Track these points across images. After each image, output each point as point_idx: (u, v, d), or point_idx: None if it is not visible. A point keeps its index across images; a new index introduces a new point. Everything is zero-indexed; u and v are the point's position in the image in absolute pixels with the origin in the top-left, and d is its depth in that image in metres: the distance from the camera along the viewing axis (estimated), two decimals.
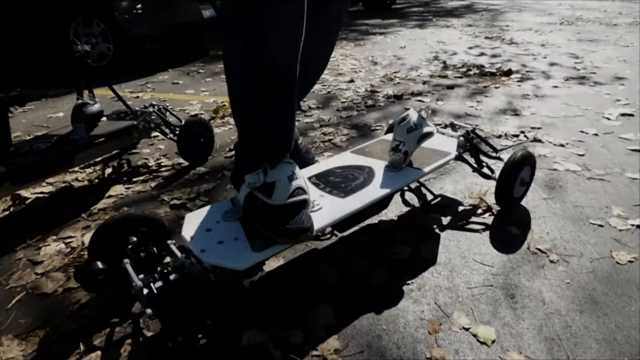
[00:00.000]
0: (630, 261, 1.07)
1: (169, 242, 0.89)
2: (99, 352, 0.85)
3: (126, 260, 0.84)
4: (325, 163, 1.18)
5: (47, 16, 3.30)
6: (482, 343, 0.85)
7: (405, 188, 1.22)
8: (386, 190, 1.02)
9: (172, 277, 0.79)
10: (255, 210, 0.86)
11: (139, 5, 3.40)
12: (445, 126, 1.36)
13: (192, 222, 0.91)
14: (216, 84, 3.09)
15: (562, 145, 1.77)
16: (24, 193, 1.50)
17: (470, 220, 1.27)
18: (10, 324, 0.94)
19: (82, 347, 0.86)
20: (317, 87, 2.87)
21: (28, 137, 2.01)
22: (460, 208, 1.33)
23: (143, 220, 0.97)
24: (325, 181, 1.07)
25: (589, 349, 0.83)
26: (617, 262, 1.07)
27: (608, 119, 2.07)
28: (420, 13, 7.28)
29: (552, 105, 2.30)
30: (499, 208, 1.31)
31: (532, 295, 0.97)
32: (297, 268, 1.09)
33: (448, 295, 0.98)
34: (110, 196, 1.49)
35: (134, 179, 1.61)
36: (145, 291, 0.75)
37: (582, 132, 1.91)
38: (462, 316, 0.92)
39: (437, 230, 1.23)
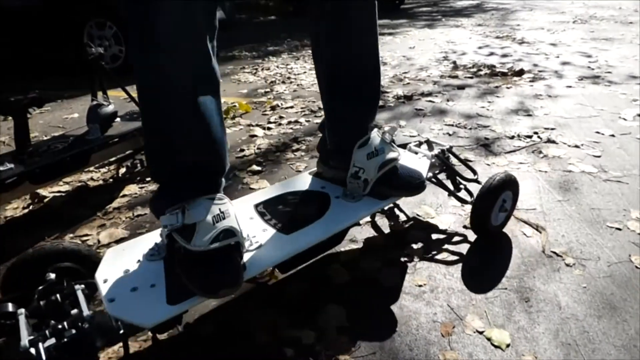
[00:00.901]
0: None
1: (76, 286, 0.74)
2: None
3: (21, 311, 0.68)
4: (277, 187, 1.08)
5: (62, 20, 3.37)
6: (496, 347, 0.84)
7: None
8: (338, 226, 0.91)
9: (68, 333, 0.66)
10: (177, 253, 0.74)
11: None
12: (420, 144, 1.24)
13: (110, 261, 0.79)
14: (226, 85, 3.11)
15: (577, 147, 1.74)
16: (43, 192, 1.53)
17: None
18: None
19: None
20: None
21: (45, 138, 2.05)
22: None
23: (68, 254, 0.85)
24: (273, 211, 0.96)
25: (608, 356, 0.82)
26: (637, 267, 1.05)
27: (624, 119, 2.03)
28: (429, 13, 7.23)
29: (566, 106, 2.27)
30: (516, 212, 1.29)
31: (548, 299, 0.96)
32: (308, 269, 1.09)
33: (461, 298, 0.98)
34: (124, 195, 1.51)
35: (147, 179, 1.63)
36: (32, 351, 0.63)
37: (597, 132, 1.88)
38: (476, 319, 0.91)
39: (449, 232, 1.22)
